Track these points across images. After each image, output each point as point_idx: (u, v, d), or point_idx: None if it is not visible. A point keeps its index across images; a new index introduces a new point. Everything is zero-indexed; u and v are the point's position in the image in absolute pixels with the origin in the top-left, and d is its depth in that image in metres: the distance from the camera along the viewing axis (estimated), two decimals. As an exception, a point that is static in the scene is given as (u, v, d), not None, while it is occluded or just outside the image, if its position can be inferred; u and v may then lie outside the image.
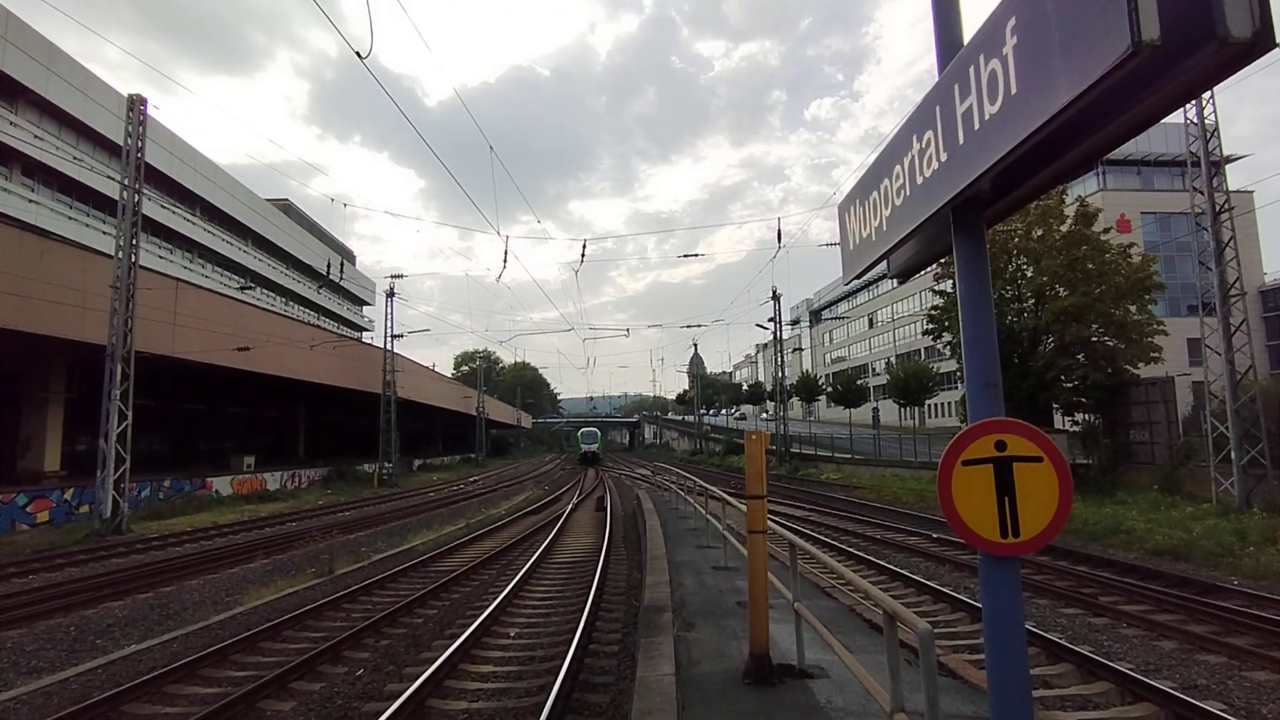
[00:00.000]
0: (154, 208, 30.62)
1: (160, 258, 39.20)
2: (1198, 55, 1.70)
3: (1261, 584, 10.90)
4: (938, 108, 2.50)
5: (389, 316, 40.78)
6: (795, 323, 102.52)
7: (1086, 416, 25.36)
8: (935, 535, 15.91)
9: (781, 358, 47.62)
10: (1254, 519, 14.69)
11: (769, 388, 77.23)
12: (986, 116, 2.17)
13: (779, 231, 33.97)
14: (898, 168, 2.89)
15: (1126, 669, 6.87)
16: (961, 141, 2.34)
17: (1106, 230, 25.39)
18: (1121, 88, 1.79)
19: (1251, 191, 34.30)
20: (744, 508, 5.76)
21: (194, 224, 40.82)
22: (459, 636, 8.09)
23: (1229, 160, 21.08)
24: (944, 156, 2.47)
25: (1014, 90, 2.03)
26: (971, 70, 2.24)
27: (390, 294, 40.21)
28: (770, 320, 45.54)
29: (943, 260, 3.59)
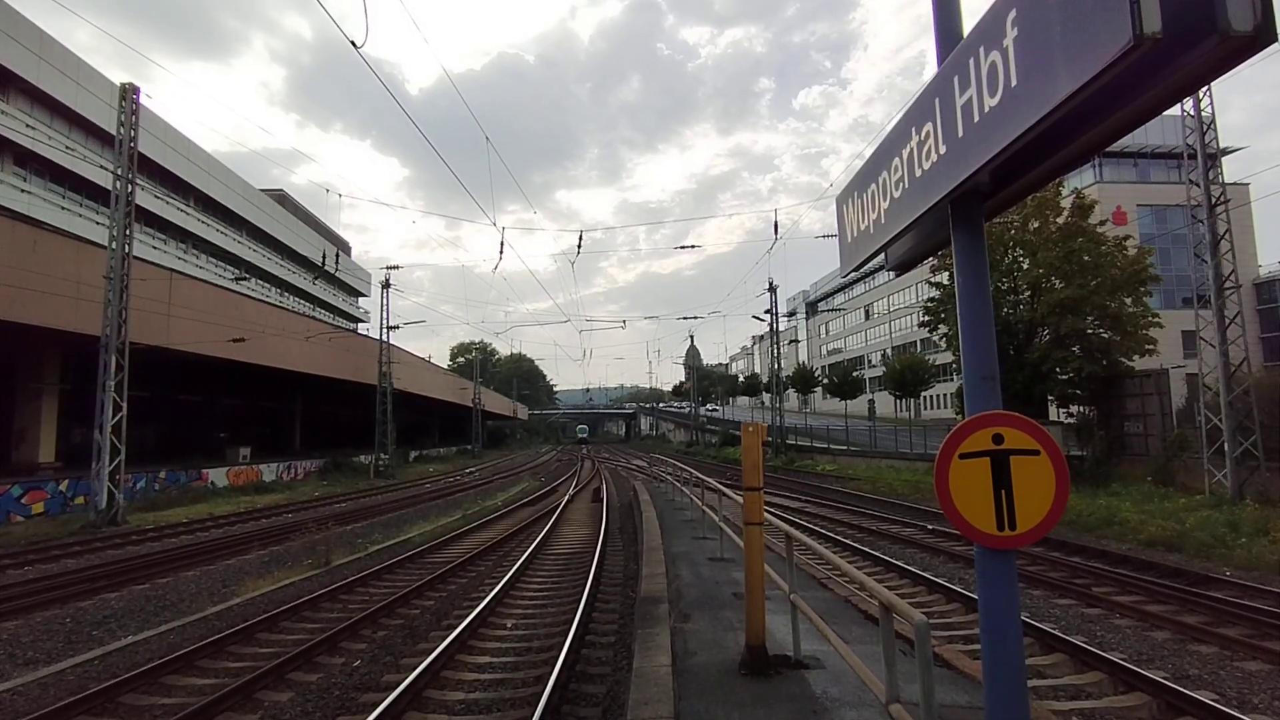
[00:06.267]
0: (147, 198, 30.37)
1: (154, 248, 39.01)
2: (1199, 49, 1.69)
3: (1253, 575, 10.99)
4: (937, 100, 2.49)
5: (384, 308, 40.68)
6: (791, 314, 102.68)
7: (1081, 408, 25.46)
8: (930, 527, 16.00)
9: (777, 349, 47.67)
10: (1246, 510, 14.77)
11: (765, 379, 77.34)
12: (986, 109, 2.16)
13: (775, 224, 33.91)
14: (896, 160, 2.88)
15: (1119, 659, 6.93)
16: (961, 134, 2.33)
17: (1102, 222, 25.43)
18: (1122, 81, 1.78)
19: (1247, 184, 34.25)
20: (740, 499, 5.78)
21: (188, 214, 40.58)
22: (456, 628, 8.12)
23: (1225, 153, 21.08)
24: (943, 149, 2.46)
25: (1014, 83, 2.02)
26: (971, 62, 2.23)
27: (386, 285, 40.08)
28: (766, 312, 45.54)
29: (940, 252, 3.59)
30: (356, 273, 75.51)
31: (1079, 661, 7.03)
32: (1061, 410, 27.66)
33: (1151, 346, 23.27)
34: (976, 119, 2.22)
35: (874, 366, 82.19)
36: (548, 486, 31.89)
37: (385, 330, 40.70)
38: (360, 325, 72.52)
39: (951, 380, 54.15)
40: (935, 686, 2.68)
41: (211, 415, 40.58)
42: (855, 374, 71.74)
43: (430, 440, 69.57)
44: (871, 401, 59.73)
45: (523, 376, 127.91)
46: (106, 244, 19.75)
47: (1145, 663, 7.11)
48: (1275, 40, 1.63)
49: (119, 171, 19.51)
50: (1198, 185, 18.33)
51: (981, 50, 2.17)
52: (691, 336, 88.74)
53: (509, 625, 8.85)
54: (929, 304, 29.45)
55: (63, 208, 32.79)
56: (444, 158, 14.92)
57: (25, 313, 18.61)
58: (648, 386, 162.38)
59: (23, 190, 30.41)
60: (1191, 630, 8.15)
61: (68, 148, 27.44)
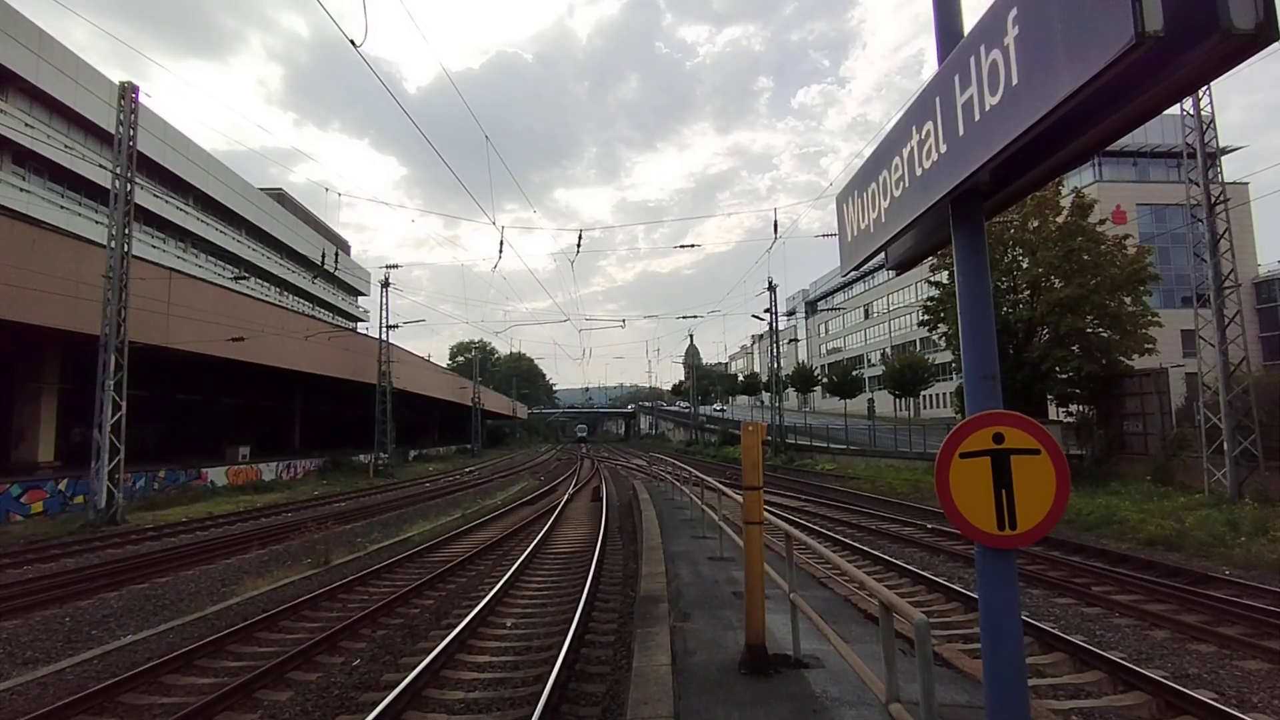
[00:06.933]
0: (146, 197, 30.36)
1: (153, 247, 38.99)
2: (1200, 47, 1.69)
3: (1253, 574, 11.00)
4: (938, 99, 2.49)
5: (384, 307, 40.67)
6: (791, 314, 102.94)
7: (1080, 408, 25.47)
8: (930, 526, 16.00)
9: (777, 349, 47.66)
10: (1246, 509, 14.79)
11: (765, 378, 77.35)
12: (987, 108, 2.16)
13: (775, 223, 33.81)
14: (897, 159, 2.88)
15: (1119, 658, 6.93)
16: (961, 133, 2.33)
17: (1102, 221, 25.42)
18: (1124, 79, 1.78)
19: (1246, 183, 34.26)
20: (739, 498, 5.77)
21: (187, 213, 40.56)
22: (455, 627, 8.11)
23: (1224, 152, 21.08)
24: (944, 148, 2.46)
25: (1015, 81, 2.01)
26: (972, 61, 2.23)
27: (385, 284, 40.05)
28: (766, 311, 45.52)
29: (940, 251, 3.59)
30: (356, 272, 75.49)
31: (1078, 660, 7.03)
32: (1061, 409, 27.66)
33: (1151, 346, 23.28)
34: (977, 118, 2.22)
35: (873, 366, 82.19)
36: (547, 486, 31.89)
37: (385, 329, 40.72)
38: (360, 324, 72.54)
39: (951, 379, 54.17)
40: (935, 686, 2.67)
41: (211, 414, 40.56)
42: (855, 373, 71.73)
43: (430, 439, 69.56)
44: (871, 401, 59.74)
45: (522, 376, 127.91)
46: (105, 243, 19.72)
47: (1145, 662, 7.12)
48: (1277, 38, 1.62)
49: (118, 170, 19.49)
50: (1197, 184, 18.33)
51: (982, 49, 2.17)
52: (691, 336, 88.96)
53: (508, 624, 8.85)
54: (929, 303, 29.45)
55: (62, 207, 32.77)
56: (443, 157, 14.90)
57: (24, 312, 18.60)
58: (647, 386, 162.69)
59: (22, 189, 30.39)
60: (1191, 629, 8.15)
61: (67, 147, 27.44)
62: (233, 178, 49.26)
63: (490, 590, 10.03)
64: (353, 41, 9.05)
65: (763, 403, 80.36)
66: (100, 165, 24.13)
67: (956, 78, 2.34)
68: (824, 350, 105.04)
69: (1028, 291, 25.29)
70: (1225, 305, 18.03)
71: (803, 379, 71.61)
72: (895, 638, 3.19)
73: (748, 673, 5.11)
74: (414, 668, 6.67)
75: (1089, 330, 23.63)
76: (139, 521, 19.41)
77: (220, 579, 11.94)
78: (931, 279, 29.00)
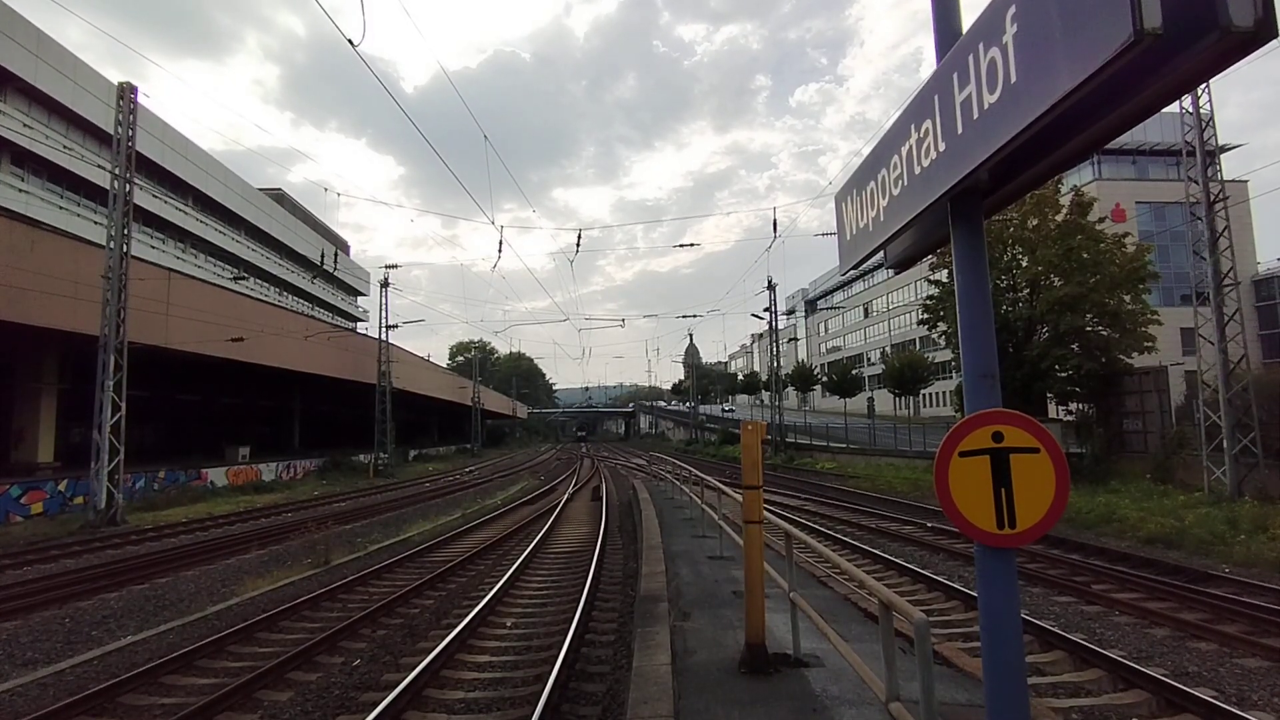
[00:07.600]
0: (145, 197, 30.35)
1: (152, 248, 38.95)
2: (1199, 44, 1.69)
3: (1252, 572, 11.00)
4: (936, 97, 2.48)
5: (384, 307, 40.66)
6: (790, 312, 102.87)
7: (1080, 406, 25.48)
8: (930, 524, 16.01)
9: (776, 348, 47.65)
10: (1245, 507, 14.79)
11: (764, 377, 77.38)
12: (986, 106, 2.16)
13: (774, 222, 33.79)
14: (895, 157, 2.87)
15: (1118, 656, 6.93)
16: (960, 131, 2.32)
17: (1101, 220, 25.42)
18: (1122, 77, 1.78)
19: (1245, 181, 34.25)
20: (739, 497, 5.77)
21: (186, 214, 40.54)
22: (455, 626, 8.11)
23: (1224, 149, 21.07)
24: (942, 146, 2.46)
25: (1014, 79, 2.01)
26: (971, 59, 2.22)
27: (385, 284, 40.04)
28: (765, 310, 45.53)
29: (939, 250, 3.59)
30: (355, 272, 75.46)
31: (1078, 659, 7.04)
32: (1060, 408, 27.67)
33: (1150, 344, 23.29)
34: (976, 116, 2.22)
35: (873, 364, 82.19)
36: (547, 485, 31.89)
37: (384, 329, 40.72)
38: (359, 324, 72.52)
39: (950, 378, 54.20)
40: (935, 684, 2.67)
41: (211, 415, 40.56)
42: (854, 372, 71.77)
43: (429, 439, 69.56)
44: (870, 399, 59.89)
45: (522, 375, 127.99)
46: (105, 243, 19.71)
47: (1144, 660, 7.12)
48: (1276, 35, 1.62)
49: (117, 171, 19.47)
50: (1196, 182, 18.33)
51: (981, 47, 2.16)
52: (690, 335, 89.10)
53: (508, 624, 8.85)
54: (928, 302, 29.45)
55: (61, 207, 32.73)
56: (441, 156, 14.87)
57: (23, 312, 18.58)
58: (647, 385, 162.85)
59: (21, 190, 30.35)
60: (1191, 627, 8.16)
61: (65, 147, 27.41)
62: (231, 178, 49.21)
63: (490, 590, 10.03)
64: (350, 40, 9.04)
65: (762, 402, 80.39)
66: (99, 166, 24.12)
67: (955, 76, 2.33)
68: (823, 349, 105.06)
69: (1027, 290, 25.30)
70: (1225, 303, 18.03)
71: (802, 378, 71.67)
72: (895, 636, 3.19)
73: (748, 672, 5.11)
74: (414, 668, 6.67)
75: (1088, 328, 23.64)
76: (139, 522, 19.41)
77: (220, 579, 11.94)
78: (931, 277, 29.00)
